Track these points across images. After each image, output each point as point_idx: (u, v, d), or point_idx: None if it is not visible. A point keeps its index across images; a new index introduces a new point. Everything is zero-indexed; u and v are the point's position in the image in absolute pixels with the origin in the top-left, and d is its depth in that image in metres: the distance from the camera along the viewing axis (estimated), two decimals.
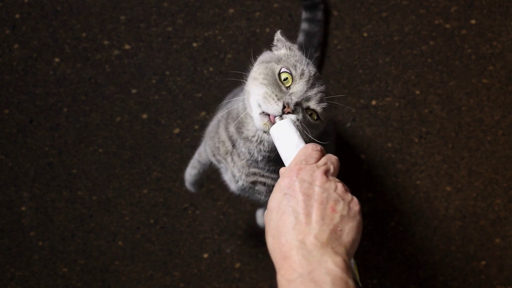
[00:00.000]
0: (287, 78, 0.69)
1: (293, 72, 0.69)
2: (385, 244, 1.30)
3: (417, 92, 1.27)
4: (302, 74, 0.69)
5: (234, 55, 1.25)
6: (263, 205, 1.04)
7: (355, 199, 0.58)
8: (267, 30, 1.25)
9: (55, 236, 1.28)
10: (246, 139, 0.76)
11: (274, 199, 0.58)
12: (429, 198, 1.29)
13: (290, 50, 0.75)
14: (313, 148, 0.62)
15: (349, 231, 0.55)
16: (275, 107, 0.66)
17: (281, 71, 0.70)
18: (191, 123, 1.26)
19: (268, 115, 0.68)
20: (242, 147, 0.78)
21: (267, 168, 0.80)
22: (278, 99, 0.67)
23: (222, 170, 0.89)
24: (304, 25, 1.22)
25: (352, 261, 0.58)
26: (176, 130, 1.26)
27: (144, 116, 1.26)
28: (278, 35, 0.77)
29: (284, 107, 0.66)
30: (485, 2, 1.25)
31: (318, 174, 0.58)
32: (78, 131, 1.26)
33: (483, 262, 1.30)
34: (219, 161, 0.86)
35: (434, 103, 1.27)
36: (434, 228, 1.29)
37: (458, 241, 1.30)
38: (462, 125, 1.27)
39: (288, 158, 0.65)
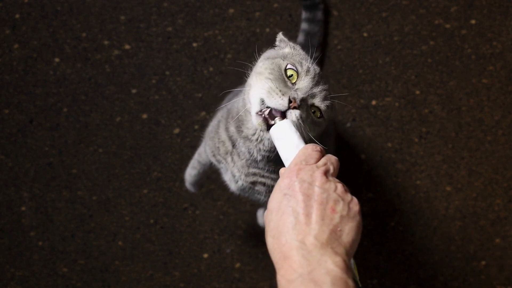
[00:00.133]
0: (292, 74, 0.70)
1: (299, 69, 0.70)
2: (385, 244, 1.30)
3: (417, 92, 1.27)
4: (308, 71, 0.70)
5: (234, 55, 1.25)
6: (263, 205, 1.04)
7: (355, 200, 0.58)
8: (267, 30, 1.25)
9: (55, 236, 1.28)
10: (246, 138, 0.76)
11: (274, 200, 0.58)
12: (429, 198, 1.29)
13: (294, 49, 0.76)
14: (313, 149, 0.62)
15: (349, 231, 0.55)
16: (280, 102, 0.66)
17: (287, 67, 0.70)
18: (191, 123, 1.26)
19: (264, 117, 0.68)
20: (242, 146, 0.78)
21: (266, 168, 0.80)
22: (283, 94, 0.67)
23: (222, 171, 0.89)
24: (304, 25, 1.22)
25: (352, 261, 0.58)
26: (176, 130, 1.26)
27: (144, 116, 1.26)
28: (280, 36, 0.78)
29: (290, 102, 0.66)
30: (485, 2, 1.25)
31: (318, 175, 0.58)
32: (78, 131, 1.26)
33: (483, 262, 1.30)
34: (219, 161, 0.86)
35: (434, 103, 1.27)
36: (434, 228, 1.29)
37: (458, 241, 1.30)
38: (462, 125, 1.27)
39: (288, 158, 0.65)
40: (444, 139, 1.28)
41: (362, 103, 1.27)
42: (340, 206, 0.56)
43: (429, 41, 1.26)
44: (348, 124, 1.28)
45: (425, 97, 1.27)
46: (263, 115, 0.68)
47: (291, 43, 0.77)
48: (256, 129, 0.74)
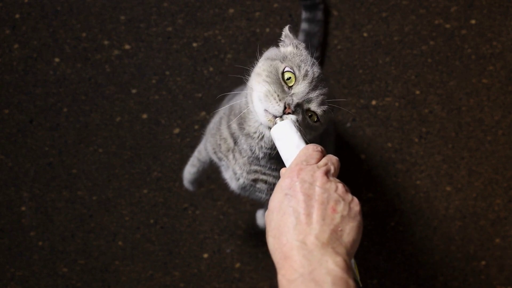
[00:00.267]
0: (290, 77, 0.69)
1: (297, 73, 0.69)
2: (385, 244, 1.30)
3: (417, 92, 1.27)
4: (305, 75, 0.69)
5: (234, 55, 1.25)
6: (264, 204, 1.04)
7: (356, 200, 0.58)
8: (267, 30, 1.25)
9: (55, 236, 1.28)
10: (248, 135, 0.76)
11: (275, 200, 0.58)
12: (429, 198, 1.29)
13: (297, 48, 0.75)
14: (314, 149, 0.62)
15: (349, 231, 0.55)
16: (276, 107, 0.67)
17: (284, 70, 0.69)
18: (191, 123, 1.26)
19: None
20: (243, 143, 0.78)
21: (268, 166, 0.80)
22: (280, 100, 0.67)
23: (223, 168, 0.89)
24: (304, 25, 1.22)
25: (353, 261, 0.58)
26: (176, 130, 1.26)
27: (144, 116, 1.26)
28: (286, 30, 0.77)
29: (285, 107, 0.66)
30: (485, 2, 1.25)
31: (319, 175, 0.58)
32: (78, 131, 1.26)
33: (483, 262, 1.30)
34: (220, 159, 0.86)
35: (434, 103, 1.27)
36: (434, 228, 1.29)
37: (458, 241, 1.30)
38: (462, 125, 1.28)
39: (288, 158, 0.65)
40: (444, 139, 1.28)
41: (362, 103, 1.27)
42: (341, 206, 0.56)
43: (429, 41, 1.26)
44: (348, 124, 1.28)
45: (425, 97, 1.27)
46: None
47: (295, 41, 0.75)
48: (258, 126, 0.74)
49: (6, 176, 1.27)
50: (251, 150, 0.78)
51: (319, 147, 0.62)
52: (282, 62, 0.70)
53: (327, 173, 0.59)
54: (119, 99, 1.26)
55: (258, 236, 1.29)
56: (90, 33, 1.24)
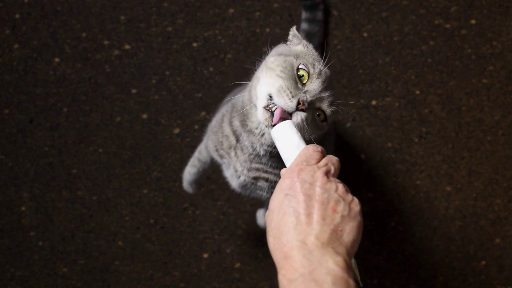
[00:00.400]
0: (303, 75, 0.70)
1: (311, 70, 0.70)
2: (385, 244, 1.30)
3: (417, 92, 1.27)
4: (319, 74, 0.70)
5: (234, 55, 1.25)
6: (264, 203, 1.04)
7: (356, 200, 0.58)
8: (267, 30, 1.25)
9: (55, 236, 1.28)
10: (250, 131, 0.76)
11: (275, 200, 0.58)
12: (429, 198, 1.29)
13: (307, 48, 0.75)
14: (314, 149, 0.62)
15: (349, 231, 0.55)
16: (289, 103, 0.67)
17: (299, 67, 0.70)
18: (191, 123, 1.26)
19: (271, 112, 0.68)
20: (245, 140, 0.78)
21: (270, 163, 0.80)
22: (293, 96, 0.67)
23: (224, 166, 0.89)
24: (304, 25, 1.22)
25: (353, 261, 0.58)
26: (176, 130, 1.26)
27: (144, 116, 1.26)
28: (293, 30, 0.77)
29: (298, 103, 0.66)
30: (485, 2, 1.25)
31: (319, 175, 0.58)
32: (78, 131, 1.26)
33: (483, 262, 1.30)
34: (221, 156, 0.86)
35: (434, 103, 1.27)
36: (434, 228, 1.30)
37: (458, 241, 1.30)
38: (462, 125, 1.28)
39: (288, 159, 0.65)
40: (444, 139, 1.28)
41: (362, 103, 1.27)
42: (341, 206, 0.56)
43: (429, 41, 1.26)
44: (348, 124, 1.28)
45: (425, 97, 1.27)
46: (270, 110, 0.68)
47: (304, 41, 0.76)
48: (260, 123, 0.74)
49: (6, 176, 1.27)
50: (252, 147, 0.78)
51: (319, 148, 0.62)
52: (296, 59, 0.71)
53: (327, 173, 0.59)
54: (119, 99, 1.26)
55: (258, 236, 1.29)
56: (90, 33, 1.24)
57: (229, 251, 1.29)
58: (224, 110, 0.87)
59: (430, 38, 1.26)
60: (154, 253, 1.29)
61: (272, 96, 0.68)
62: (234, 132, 0.80)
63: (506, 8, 1.25)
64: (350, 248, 0.55)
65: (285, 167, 0.65)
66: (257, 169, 0.81)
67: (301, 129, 0.67)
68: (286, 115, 0.68)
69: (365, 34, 1.26)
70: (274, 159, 0.79)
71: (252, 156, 0.79)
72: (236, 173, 0.83)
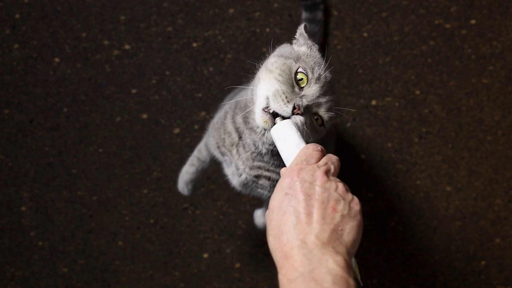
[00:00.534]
0: (302, 78, 0.69)
1: (310, 75, 0.69)
2: (385, 244, 1.30)
3: (417, 92, 1.27)
4: (318, 78, 0.69)
5: (234, 55, 1.25)
6: (264, 202, 1.04)
7: (356, 199, 0.58)
8: (267, 30, 1.25)
9: (55, 236, 1.28)
10: (252, 129, 0.76)
11: (275, 199, 0.58)
12: (429, 198, 1.29)
13: (310, 49, 0.74)
14: (314, 148, 0.62)
15: (349, 231, 0.55)
16: (284, 108, 0.67)
17: (298, 70, 0.69)
18: (191, 123, 1.26)
19: (270, 113, 0.68)
20: (247, 138, 0.78)
21: (271, 162, 0.80)
22: (288, 101, 0.67)
23: (225, 164, 0.88)
24: None
25: (353, 260, 0.58)
26: (176, 130, 1.26)
27: (144, 116, 1.26)
28: (301, 29, 0.77)
29: (294, 108, 0.66)
30: (485, 2, 1.25)
31: (319, 174, 0.58)
32: (78, 131, 1.26)
33: (483, 262, 1.30)
34: (223, 154, 0.85)
35: (434, 103, 1.27)
36: (434, 228, 1.29)
37: (458, 241, 1.30)
38: (462, 125, 1.28)
39: (288, 158, 0.65)
40: (444, 139, 1.28)
41: (362, 103, 1.27)
42: (341, 206, 0.56)
43: (429, 41, 1.26)
44: (348, 124, 1.28)
45: (425, 97, 1.27)
46: (268, 112, 0.68)
47: (309, 42, 0.75)
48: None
49: (6, 176, 1.27)
50: (254, 145, 0.77)
51: (319, 147, 0.62)
52: (296, 62, 0.70)
53: (327, 172, 0.59)
54: (119, 99, 1.26)
55: (258, 236, 1.29)
56: (90, 33, 1.24)
57: (229, 251, 1.29)
58: (227, 107, 0.87)
59: (430, 38, 1.26)
60: (154, 253, 1.29)
61: (269, 100, 0.68)
62: (237, 129, 0.80)
63: (506, 8, 1.25)
64: (350, 248, 0.55)
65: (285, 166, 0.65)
66: (259, 167, 0.81)
67: (300, 132, 0.67)
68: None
69: (365, 34, 1.26)
70: (276, 157, 0.78)
71: (254, 154, 0.79)
72: (237, 171, 0.83)
